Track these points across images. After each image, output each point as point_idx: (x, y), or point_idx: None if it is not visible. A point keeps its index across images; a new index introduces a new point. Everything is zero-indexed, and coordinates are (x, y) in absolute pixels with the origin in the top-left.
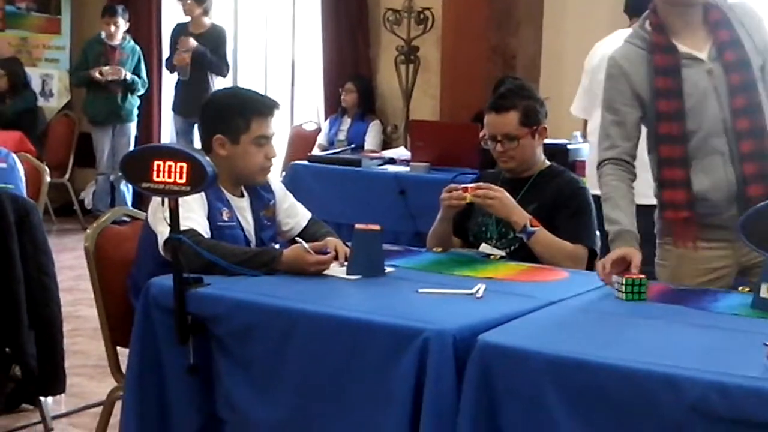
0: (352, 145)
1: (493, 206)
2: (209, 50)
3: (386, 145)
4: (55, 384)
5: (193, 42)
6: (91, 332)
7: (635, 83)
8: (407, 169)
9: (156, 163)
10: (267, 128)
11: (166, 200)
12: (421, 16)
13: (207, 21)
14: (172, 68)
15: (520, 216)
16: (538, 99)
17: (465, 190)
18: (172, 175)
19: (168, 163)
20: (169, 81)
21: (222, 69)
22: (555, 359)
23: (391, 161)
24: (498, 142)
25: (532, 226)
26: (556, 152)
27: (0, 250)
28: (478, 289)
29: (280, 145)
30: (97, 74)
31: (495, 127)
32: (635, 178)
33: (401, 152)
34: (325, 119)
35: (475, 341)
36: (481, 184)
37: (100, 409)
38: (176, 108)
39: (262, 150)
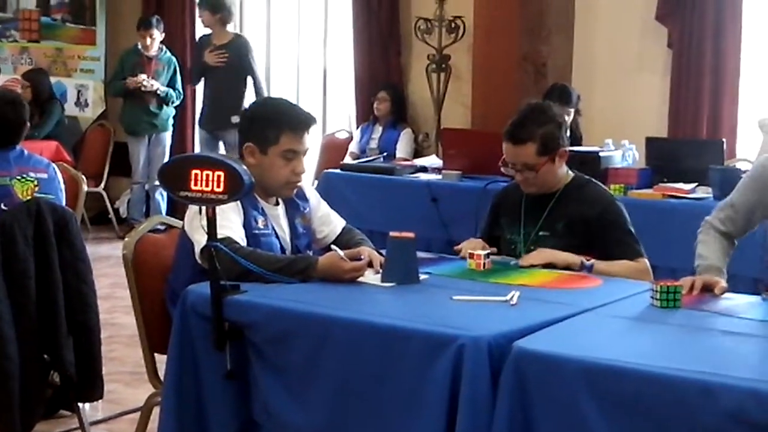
0: (384, 154)
1: (556, 263)
2: (237, 59)
3: (417, 153)
4: (93, 390)
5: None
6: (127, 339)
7: None
8: (439, 177)
9: (194, 171)
10: (297, 143)
11: (204, 208)
12: (453, 24)
13: (229, 31)
14: (191, 79)
15: (573, 258)
16: (557, 121)
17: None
18: (210, 183)
19: (206, 171)
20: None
21: (255, 80)
22: (590, 366)
23: (423, 169)
24: (517, 171)
25: (587, 260)
26: (588, 160)
27: (39, 259)
28: (513, 296)
29: (312, 153)
30: (130, 81)
31: (513, 156)
32: (732, 250)
33: (433, 160)
34: (357, 127)
35: (510, 348)
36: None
37: (136, 415)
38: (201, 122)
39: (289, 164)
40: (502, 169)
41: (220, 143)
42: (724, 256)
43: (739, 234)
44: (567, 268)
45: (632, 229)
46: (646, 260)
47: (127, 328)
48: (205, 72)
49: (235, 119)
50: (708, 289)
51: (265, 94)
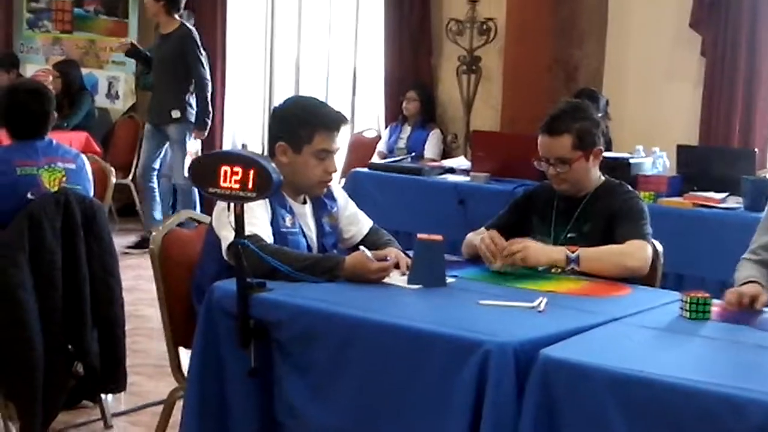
0: (412, 154)
1: (526, 259)
2: (179, 51)
3: (445, 154)
4: (116, 382)
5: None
6: (150, 332)
7: None
8: (467, 179)
9: (223, 168)
10: (330, 143)
11: (232, 205)
12: (484, 26)
13: (176, 20)
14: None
15: (557, 253)
16: (594, 120)
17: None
18: (239, 180)
19: (235, 168)
20: (232, 87)
21: (197, 74)
22: (617, 376)
23: (451, 171)
24: (551, 165)
25: (571, 252)
26: (618, 166)
27: (67, 250)
28: (540, 303)
29: (340, 151)
30: None
31: (548, 149)
32: None
33: (461, 162)
34: (386, 127)
35: (536, 355)
36: (503, 245)
37: (158, 408)
38: (147, 115)
39: (322, 164)
40: (534, 164)
41: (166, 138)
42: (762, 277)
43: None
44: (554, 266)
45: (645, 218)
46: (641, 242)
47: (151, 321)
48: (152, 63)
49: (176, 114)
50: (751, 302)
51: (207, 93)
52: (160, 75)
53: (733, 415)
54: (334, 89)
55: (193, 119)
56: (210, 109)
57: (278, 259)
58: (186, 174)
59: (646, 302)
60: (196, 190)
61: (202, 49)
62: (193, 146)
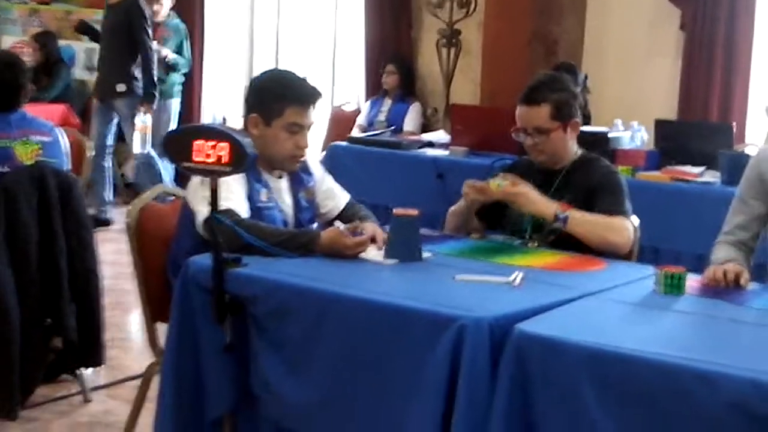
0: (392, 127)
1: (519, 203)
2: (125, 23)
3: (426, 128)
4: (95, 356)
5: None
6: (130, 306)
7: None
8: (446, 152)
9: (197, 142)
10: (302, 117)
11: (207, 180)
12: (464, 0)
13: None
14: None
15: (549, 207)
16: (571, 92)
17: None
18: (213, 155)
19: (209, 143)
20: (212, 59)
21: (142, 46)
22: (591, 351)
23: (430, 144)
24: (528, 135)
25: (562, 211)
26: (597, 140)
27: (42, 224)
28: (516, 278)
29: (319, 125)
30: None
31: (525, 119)
32: (749, 259)
33: (440, 136)
34: (366, 100)
35: (511, 330)
36: (505, 183)
37: (137, 381)
38: (94, 90)
39: (293, 138)
40: (512, 135)
41: (114, 113)
42: (740, 257)
43: (751, 238)
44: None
45: (624, 194)
46: (626, 220)
47: (131, 295)
48: (96, 35)
49: (121, 88)
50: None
51: (152, 65)
52: (105, 47)
53: (706, 389)
54: (315, 62)
55: (140, 92)
56: (155, 81)
57: (253, 234)
58: (142, 149)
59: (622, 277)
60: (158, 163)
61: (148, 20)
62: (148, 120)
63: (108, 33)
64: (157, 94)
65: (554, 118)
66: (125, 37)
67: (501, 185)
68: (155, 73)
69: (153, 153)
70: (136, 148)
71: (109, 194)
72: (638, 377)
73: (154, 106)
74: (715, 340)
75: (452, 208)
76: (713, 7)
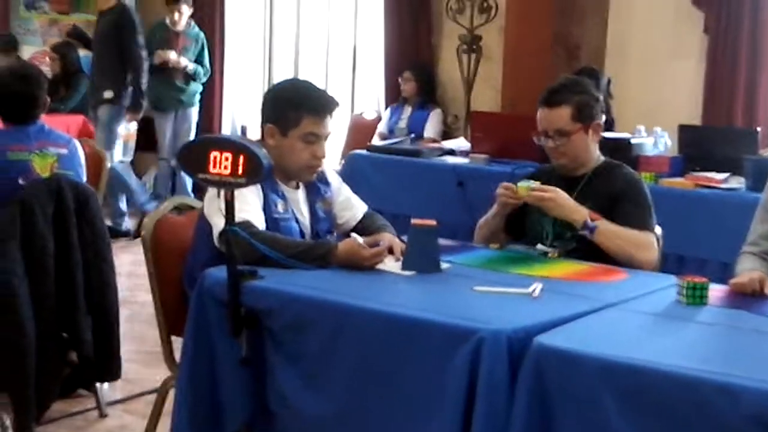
0: (412, 135)
1: (548, 206)
2: (114, 29)
3: (446, 135)
4: (111, 371)
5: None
6: (147, 318)
7: None
8: (466, 160)
9: (213, 154)
10: (319, 127)
11: (222, 191)
12: (485, 5)
13: None
14: None
15: (579, 213)
16: (593, 94)
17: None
18: (229, 166)
19: (225, 154)
20: (231, 68)
21: (130, 54)
22: (611, 364)
23: (451, 152)
24: (549, 138)
25: (592, 220)
26: (619, 147)
27: (59, 236)
28: (535, 289)
29: (339, 133)
30: (158, 57)
31: (547, 122)
32: None
33: (461, 143)
34: (386, 107)
35: (530, 342)
36: (535, 185)
37: (153, 396)
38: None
39: (309, 148)
40: (534, 140)
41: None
42: (764, 269)
43: None
44: (567, 222)
45: (650, 206)
46: (653, 236)
47: (148, 307)
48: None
49: (108, 94)
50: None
51: (141, 73)
52: (96, 55)
53: (727, 403)
54: (334, 70)
55: (126, 102)
56: (143, 90)
57: (270, 245)
58: (124, 156)
59: (643, 287)
60: (132, 175)
61: (139, 27)
62: (132, 127)
63: (99, 40)
64: (144, 104)
65: (576, 120)
66: (115, 45)
67: (531, 188)
68: (144, 81)
69: (127, 162)
70: (117, 156)
71: (123, 204)
72: (658, 389)
73: (140, 116)
74: (737, 352)
75: (482, 219)
76: (737, 10)
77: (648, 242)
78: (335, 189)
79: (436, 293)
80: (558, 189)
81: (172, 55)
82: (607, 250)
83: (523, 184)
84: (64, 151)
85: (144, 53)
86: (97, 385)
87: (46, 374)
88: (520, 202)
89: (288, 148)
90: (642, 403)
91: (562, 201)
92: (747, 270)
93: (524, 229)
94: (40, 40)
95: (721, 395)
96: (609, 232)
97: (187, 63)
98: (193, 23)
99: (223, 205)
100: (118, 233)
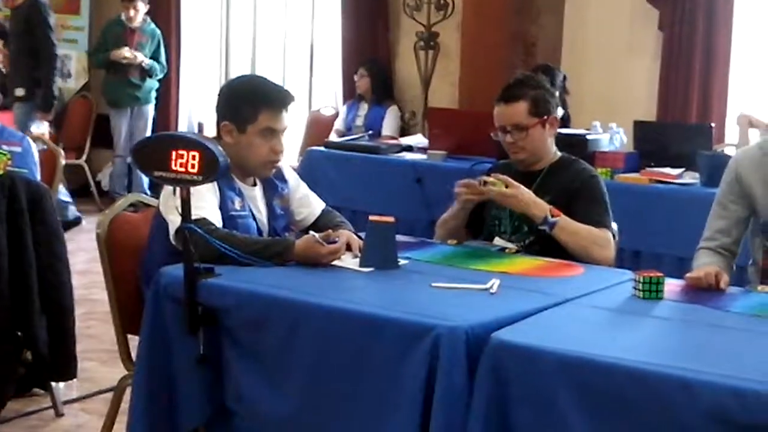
0: (370, 132)
1: (511, 202)
2: (26, 25)
3: (404, 131)
4: (66, 369)
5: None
6: (104, 316)
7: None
8: (424, 157)
9: (169, 151)
10: (276, 121)
11: (178, 189)
12: (442, 2)
13: None
14: None
15: (540, 208)
16: (548, 89)
17: (482, 183)
18: (184, 164)
19: (180, 151)
20: (188, 64)
21: (41, 51)
22: (568, 359)
23: (409, 149)
24: (507, 133)
25: (552, 216)
26: (576, 142)
27: (12, 235)
28: (493, 284)
29: (297, 130)
30: (114, 54)
31: (504, 117)
32: (731, 265)
33: (419, 140)
34: (343, 104)
35: (488, 339)
36: (496, 177)
37: (110, 394)
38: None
39: (267, 143)
40: (492, 137)
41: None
42: (721, 265)
43: (735, 243)
44: (526, 216)
45: (607, 203)
46: (610, 233)
47: (105, 305)
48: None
49: (19, 92)
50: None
51: (53, 70)
52: (12, 51)
53: (684, 398)
54: (292, 66)
55: (38, 100)
56: (55, 88)
57: (227, 243)
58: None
59: (600, 282)
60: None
61: (52, 22)
62: (44, 128)
63: (13, 36)
64: (55, 103)
65: (532, 114)
66: (26, 41)
67: (495, 186)
68: (56, 80)
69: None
70: None
71: (62, 195)
72: (616, 385)
73: (51, 116)
74: (694, 347)
75: (441, 218)
76: (691, 7)
77: (606, 239)
78: (293, 186)
79: (394, 290)
80: (520, 185)
81: (126, 52)
82: (566, 246)
83: (485, 180)
84: (17, 148)
85: (55, 50)
86: (53, 384)
87: (1, 375)
88: (481, 198)
89: (246, 145)
90: (599, 397)
91: (524, 196)
92: (704, 265)
93: (483, 224)
94: None
95: (680, 391)
96: (568, 229)
97: (143, 58)
98: (149, 20)
99: (179, 203)
100: (69, 224)
